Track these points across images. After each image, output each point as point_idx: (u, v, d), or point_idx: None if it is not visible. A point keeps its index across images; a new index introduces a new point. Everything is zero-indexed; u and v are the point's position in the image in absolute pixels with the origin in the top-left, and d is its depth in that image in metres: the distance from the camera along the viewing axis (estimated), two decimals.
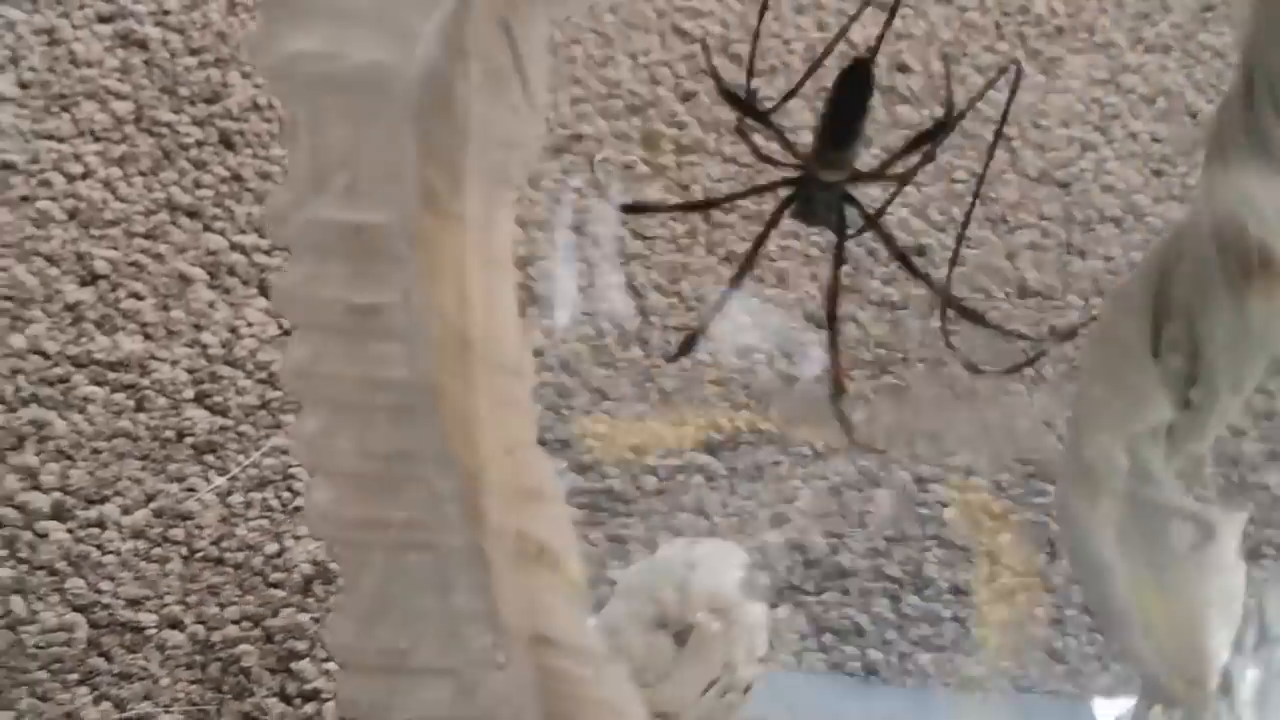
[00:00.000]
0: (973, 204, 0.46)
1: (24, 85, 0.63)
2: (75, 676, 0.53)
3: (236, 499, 0.57)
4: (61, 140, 0.62)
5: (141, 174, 0.63)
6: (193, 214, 0.62)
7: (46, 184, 0.62)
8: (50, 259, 0.61)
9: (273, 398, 0.59)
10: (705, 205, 0.47)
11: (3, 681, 0.52)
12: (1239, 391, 0.32)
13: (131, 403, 0.58)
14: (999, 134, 0.41)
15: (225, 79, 0.64)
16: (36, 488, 0.56)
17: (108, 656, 0.53)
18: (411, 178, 0.26)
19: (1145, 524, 0.33)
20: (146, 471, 0.57)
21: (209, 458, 0.58)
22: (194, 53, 0.64)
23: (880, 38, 0.42)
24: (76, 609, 0.54)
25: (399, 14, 0.26)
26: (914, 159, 0.40)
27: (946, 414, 0.59)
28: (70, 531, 0.55)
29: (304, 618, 0.54)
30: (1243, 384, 0.32)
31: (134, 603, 0.54)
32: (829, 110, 0.37)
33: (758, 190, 0.40)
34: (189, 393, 0.59)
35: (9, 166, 0.62)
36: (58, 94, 0.64)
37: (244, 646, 0.54)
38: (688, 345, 0.41)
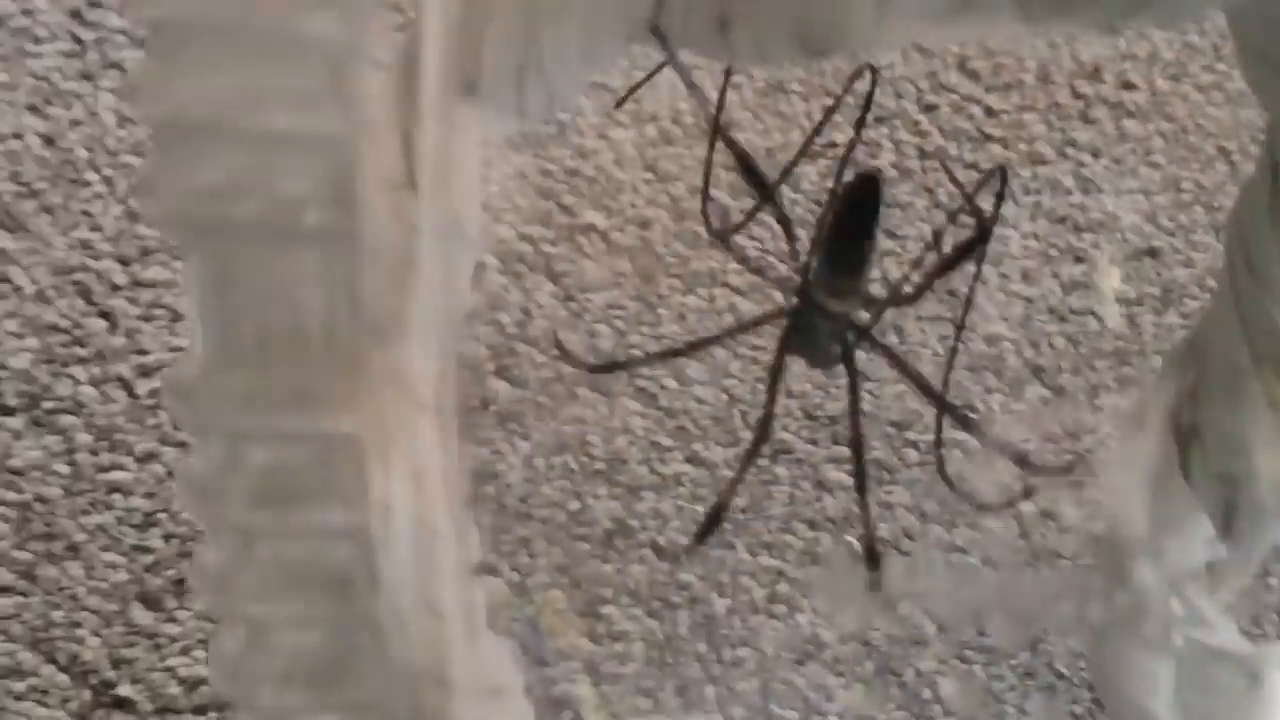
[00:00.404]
0: (956, 340, 0.38)
1: None
2: None
3: (539, 461, 0.64)
4: None
5: None
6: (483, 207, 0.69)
7: None
8: None
9: (568, 373, 0.66)
10: (682, 352, 0.40)
11: None
12: None
13: None
14: (984, 243, 0.33)
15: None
16: None
17: None
18: (341, 328, 0.22)
19: (1194, 669, 0.29)
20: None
21: (511, 425, 0.65)
22: None
23: (853, 145, 0.36)
24: None
25: (315, 140, 0.21)
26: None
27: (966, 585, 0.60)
28: None
29: (607, 568, 0.61)
30: None
31: None
32: (834, 233, 0.31)
33: (746, 328, 0.35)
34: (490, 366, 0.66)
35: None
36: None
37: (555, 591, 0.60)
38: (709, 527, 0.35)
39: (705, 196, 0.34)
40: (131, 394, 0.63)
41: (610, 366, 0.39)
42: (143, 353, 0.65)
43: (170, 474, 0.62)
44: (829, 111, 0.39)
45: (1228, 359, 0.27)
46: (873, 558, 0.32)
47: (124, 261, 0.66)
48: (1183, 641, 0.28)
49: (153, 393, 0.64)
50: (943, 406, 0.32)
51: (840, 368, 0.32)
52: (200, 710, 0.58)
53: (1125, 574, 0.28)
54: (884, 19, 0.21)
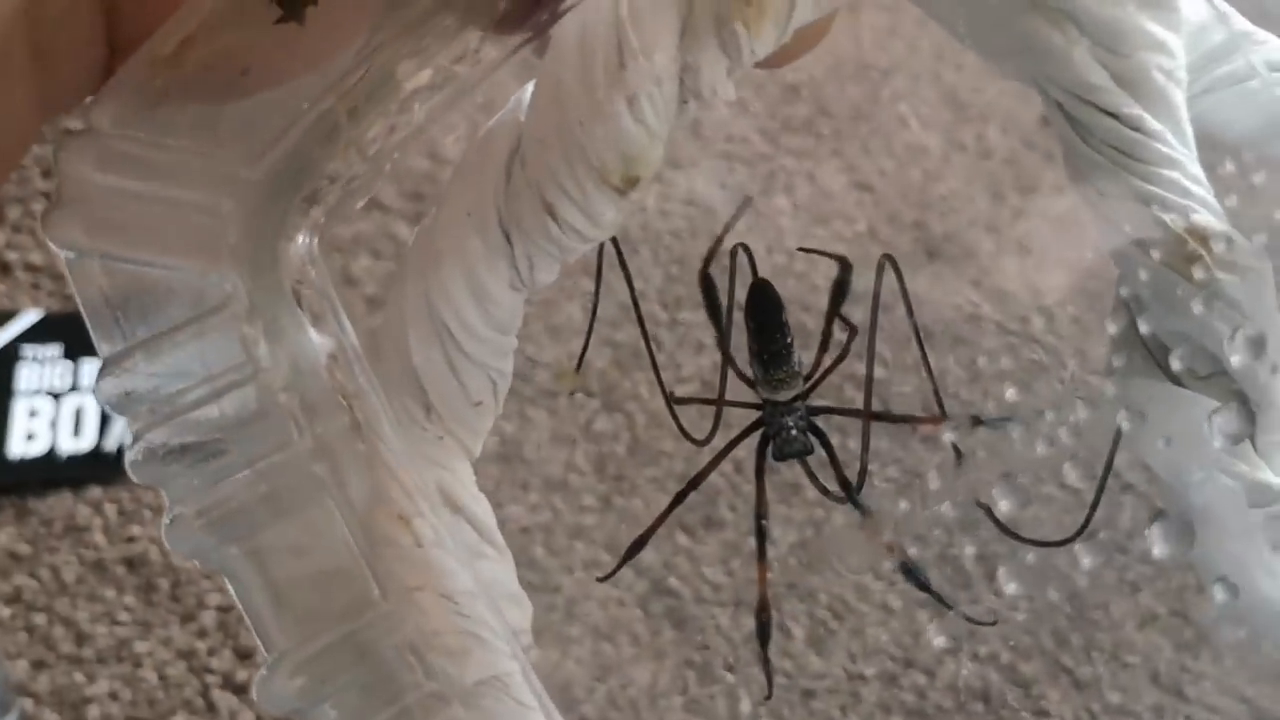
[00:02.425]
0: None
1: None
2: None
3: None
4: None
5: None
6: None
7: None
8: None
9: None
10: (681, 497, 0.37)
11: None
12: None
13: None
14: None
15: None
16: None
17: None
18: None
19: None
20: None
21: None
22: None
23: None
24: None
25: None
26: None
27: None
28: None
29: None
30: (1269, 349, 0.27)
31: None
32: (754, 339, 0.36)
33: (723, 455, 0.37)
34: None
35: None
36: None
37: None
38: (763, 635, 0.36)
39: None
40: None
41: (616, 569, 0.44)
42: None
43: None
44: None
45: (1153, 287, 0.27)
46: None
47: None
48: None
49: None
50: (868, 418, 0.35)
51: (817, 447, 0.36)
52: None
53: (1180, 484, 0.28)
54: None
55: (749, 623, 0.57)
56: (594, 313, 0.40)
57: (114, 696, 0.53)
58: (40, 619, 0.55)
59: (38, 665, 0.54)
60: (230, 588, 0.20)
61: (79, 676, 0.53)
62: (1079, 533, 0.32)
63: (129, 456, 0.20)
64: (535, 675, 0.22)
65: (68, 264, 0.20)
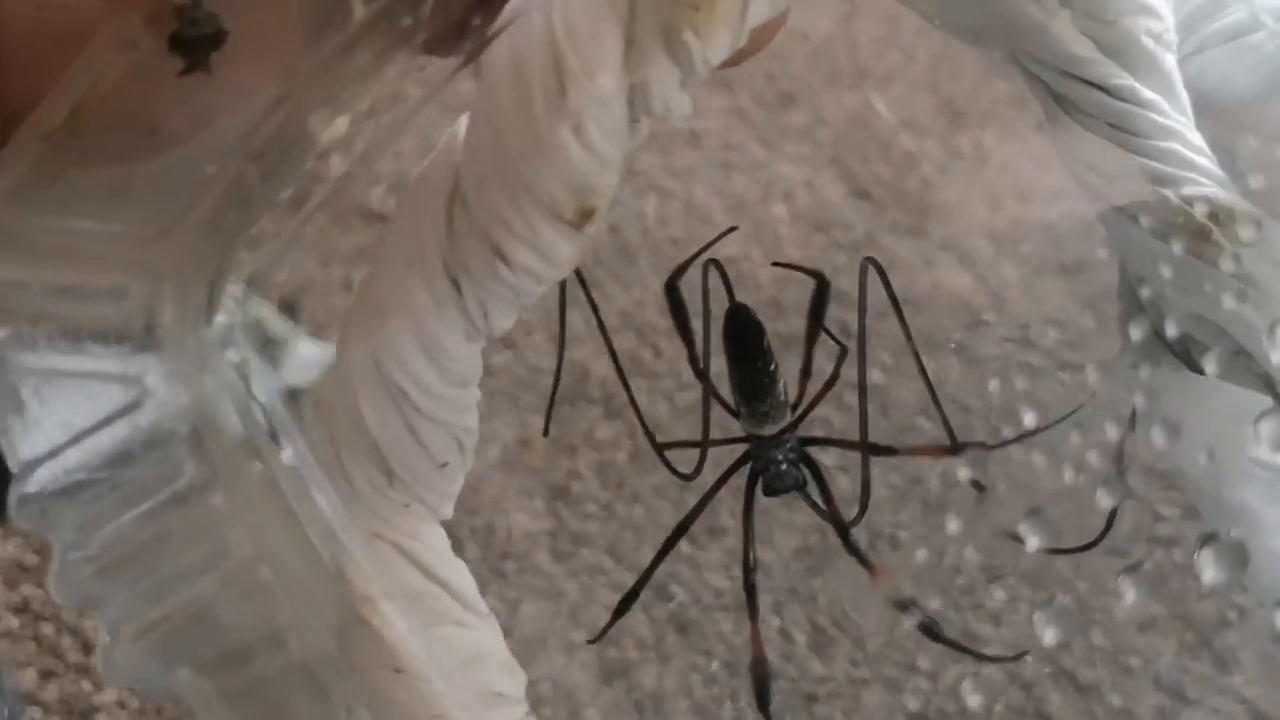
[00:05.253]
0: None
1: None
2: None
3: None
4: None
5: None
6: None
7: None
8: None
9: None
10: (672, 543, 0.38)
11: None
12: None
13: None
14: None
15: None
16: None
17: None
18: None
19: None
20: None
21: None
22: None
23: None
24: None
25: None
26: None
27: None
28: None
29: None
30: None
31: None
32: (734, 367, 0.34)
33: (711, 494, 0.36)
34: None
35: None
36: None
37: None
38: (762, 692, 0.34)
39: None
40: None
41: (607, 628, 0.40)
42: None
43: None
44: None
45: (1170, 275, 0.25)
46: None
47: None
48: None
49: None
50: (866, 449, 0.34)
51: (809, 480, 0.34)
52: None
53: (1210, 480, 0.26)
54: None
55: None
56: (559, 365, 0.38)
57: (121, 705, 0.53)
58: (48, 628, 0.55)
59: (46, 674, 0.54)
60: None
61: (86, 685, 0.54)
62: (1102, 535, 0.31)
63: (10, 501, 0.18)
64: None
65: None
